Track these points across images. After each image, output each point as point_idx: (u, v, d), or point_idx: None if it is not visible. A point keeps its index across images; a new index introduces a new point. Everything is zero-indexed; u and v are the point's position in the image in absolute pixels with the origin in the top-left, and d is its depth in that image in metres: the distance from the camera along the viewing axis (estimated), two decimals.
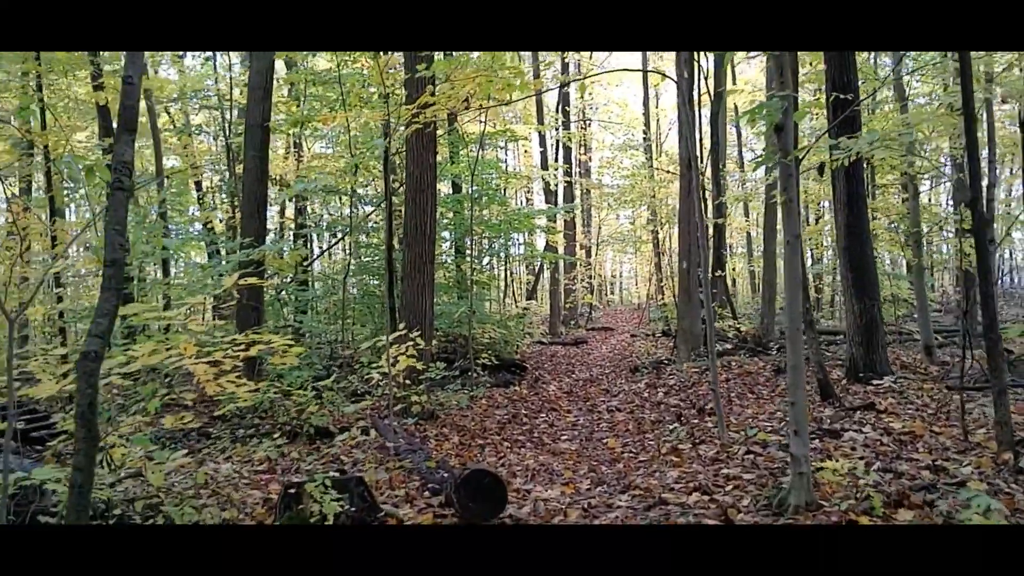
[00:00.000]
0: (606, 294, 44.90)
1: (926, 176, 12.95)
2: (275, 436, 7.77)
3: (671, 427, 7.90)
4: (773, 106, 4.26)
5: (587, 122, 31.70)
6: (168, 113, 18.89)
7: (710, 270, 15.60)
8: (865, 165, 10.76)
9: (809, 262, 25.94)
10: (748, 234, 27.20)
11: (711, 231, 16.26)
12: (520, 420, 9.15)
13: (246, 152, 10.57)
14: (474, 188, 13.29)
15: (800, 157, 6.15)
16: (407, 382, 8.25)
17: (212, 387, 5.18)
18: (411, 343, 6.70)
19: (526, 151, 35.75)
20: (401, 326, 6.79)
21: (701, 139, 16.79)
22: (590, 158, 34.41)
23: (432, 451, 7.40)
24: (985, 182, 9.81)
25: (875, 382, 9.11)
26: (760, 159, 4.48)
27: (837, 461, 5.23)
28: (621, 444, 7.57)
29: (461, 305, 12.66)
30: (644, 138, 25.21)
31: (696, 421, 8.14)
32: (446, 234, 16.54)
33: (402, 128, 7.46)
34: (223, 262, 10.40)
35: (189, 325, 5.92)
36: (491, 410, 9.72)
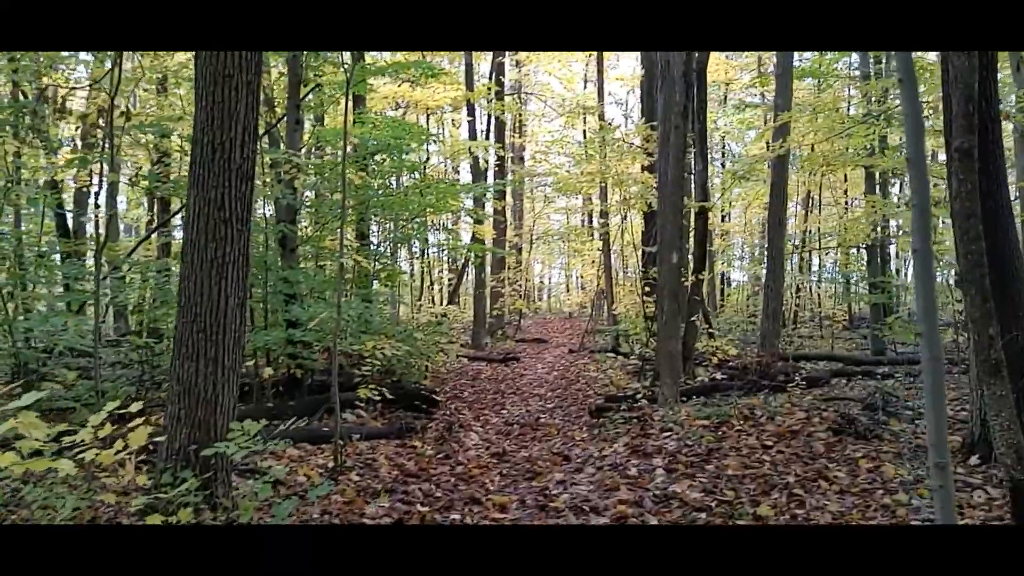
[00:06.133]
0: (534, 300, 40.79)
1: None
2: None
3: None
4: None
5: (524, 97, 27.47)
6: None
7: (696, 271, 11.51)
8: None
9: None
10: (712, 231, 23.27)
11: (694, 219, 12.11)
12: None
13: None
14: (357, 123, 8.71)
15: None
16: (139, 466, 3.72)
17: None
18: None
19: (451, 134, 31.41)
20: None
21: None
22: (524, 145, 30.23)
23: None
24: None
25: None
26: None
27: None
28: None
29: (326, 308, 8.11)
30: (598, 104, 21.14)
31: None
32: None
33: None
34: None
35: None
36: (357, 505, 5.25)
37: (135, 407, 3.33)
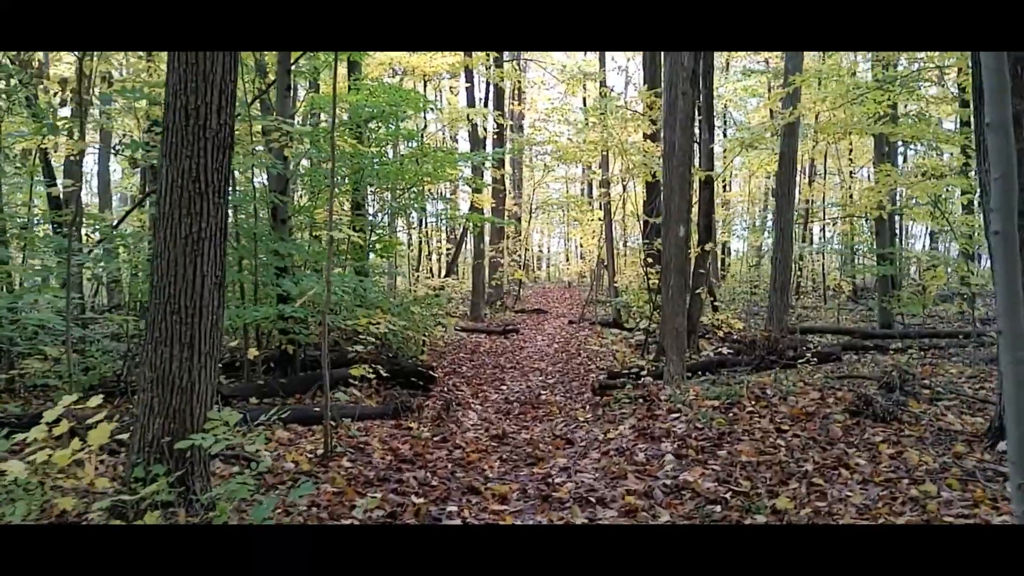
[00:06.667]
0: (534, 270, 40.46)
1: None
2: None
3: None
4: None
5: (524, 64, 26.90)
6: None
7: (701, 242, 11.14)
8: None
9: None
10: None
11: (699, 189, 11.71)
12: (402, 524, 4.38)
13: None
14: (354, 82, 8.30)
15: None
16: (113, 454, 3.39)
17: None
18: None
19: (449, 102, 30.89)
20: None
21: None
22: (523, 113, 29.69)
23: None
24: None
25: None
26: None
27: None
28: None
29: (318, 281, 7.77)
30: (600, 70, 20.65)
31: None
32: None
33: None
34: None
35: None
36: (347, 496, 4.93)
37: (94, 402, 2.98)
